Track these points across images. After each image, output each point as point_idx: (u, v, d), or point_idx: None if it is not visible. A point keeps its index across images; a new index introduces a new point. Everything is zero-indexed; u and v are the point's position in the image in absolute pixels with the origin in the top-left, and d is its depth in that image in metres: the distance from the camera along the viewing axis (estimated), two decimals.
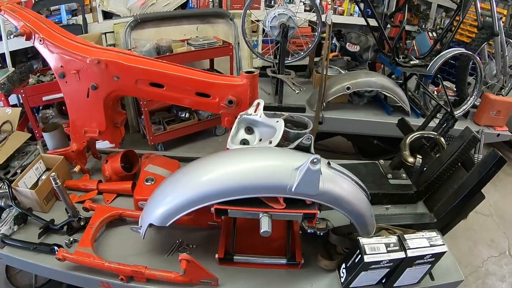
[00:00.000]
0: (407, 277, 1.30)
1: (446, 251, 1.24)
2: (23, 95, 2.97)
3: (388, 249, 1.22)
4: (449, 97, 2.20)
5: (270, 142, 1.28)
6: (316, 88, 3.10)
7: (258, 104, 1.43)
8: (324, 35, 2.68)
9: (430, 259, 1.24)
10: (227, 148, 1.35)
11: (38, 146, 1.91)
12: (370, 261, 1.19)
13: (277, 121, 1.34)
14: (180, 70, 1.48)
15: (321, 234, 1.41)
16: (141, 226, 1.36)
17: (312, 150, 1.25)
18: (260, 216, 1.17)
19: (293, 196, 1.15)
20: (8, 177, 1.73)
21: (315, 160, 1.07)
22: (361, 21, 4.55)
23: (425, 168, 1.79)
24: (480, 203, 1.56)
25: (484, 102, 3.08)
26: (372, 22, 3.17)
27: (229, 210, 1.18)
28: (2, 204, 1.65)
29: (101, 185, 1.75)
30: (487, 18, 3.15)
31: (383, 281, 1.33)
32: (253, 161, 1.20)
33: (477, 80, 3.09)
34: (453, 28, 3.17)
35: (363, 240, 1.24)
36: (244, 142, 1.41)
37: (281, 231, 1.47)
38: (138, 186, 1.64)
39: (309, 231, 1.40)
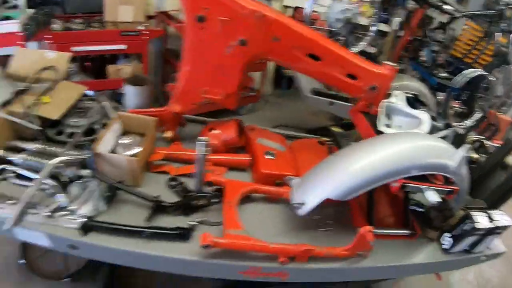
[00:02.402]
0: (483, 245, 1.65)
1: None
2: (51, 41, 2.44)
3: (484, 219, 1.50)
4: None
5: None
6: None
7: (399, 94, 1.56)
8: None
9: (502, 230, 1.59)
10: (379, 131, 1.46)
11: (106, 103, 1.50)
12: (479, 227, 1.44)
13: (421, 112, 1.52)
14: (339, 48, 1.48)
15: (423, 209, 1.66)
16: (302, 203, 1.33)
17: None
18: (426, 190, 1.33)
19: (449, 175, 1.34)
20: (87, 140, 1.35)
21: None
22: None
23: None
24: None
25: None
26: None
27: (409, 185, 1.29)
28: (70, 174, 1.29)
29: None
30: None
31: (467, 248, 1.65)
32: (427, 141, 1.37)
33: None
34: None
35: (472, 212, 1.49)
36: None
37: (396, 207, 1.63)
38: (260, 160, 1.55)
39: (410, 207, 1.63)
